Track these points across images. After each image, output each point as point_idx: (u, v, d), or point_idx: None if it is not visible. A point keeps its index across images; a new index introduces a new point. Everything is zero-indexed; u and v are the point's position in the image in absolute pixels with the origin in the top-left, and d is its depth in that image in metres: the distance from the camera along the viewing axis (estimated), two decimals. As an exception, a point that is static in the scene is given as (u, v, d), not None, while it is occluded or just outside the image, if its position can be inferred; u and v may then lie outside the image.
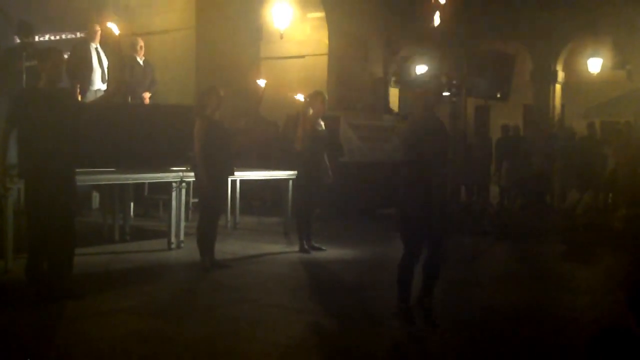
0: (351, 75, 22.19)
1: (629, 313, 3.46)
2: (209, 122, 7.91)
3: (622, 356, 3.39)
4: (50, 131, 6.18)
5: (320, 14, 23.82)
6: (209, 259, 8.07)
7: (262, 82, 9.79)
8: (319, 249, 9.51)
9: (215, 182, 7.98)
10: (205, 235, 8.09)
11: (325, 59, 23.57)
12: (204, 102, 8.05)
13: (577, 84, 24.85)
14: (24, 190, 6.48)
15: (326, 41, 23.67)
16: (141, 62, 12.27)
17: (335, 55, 22.93)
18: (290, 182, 10.91)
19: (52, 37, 16.37)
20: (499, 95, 12.62)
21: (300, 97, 9.48)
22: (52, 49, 6.71)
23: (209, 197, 7.98)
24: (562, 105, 25.17)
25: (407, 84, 13.37)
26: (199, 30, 19.38)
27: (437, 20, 10.89)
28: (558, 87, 25.08)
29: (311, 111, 9.30)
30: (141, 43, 12.33)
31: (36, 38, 11.47)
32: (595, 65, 23.48)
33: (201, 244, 8.07)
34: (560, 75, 24.97)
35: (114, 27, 7.62)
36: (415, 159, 5.80)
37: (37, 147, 6.17)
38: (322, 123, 9.45)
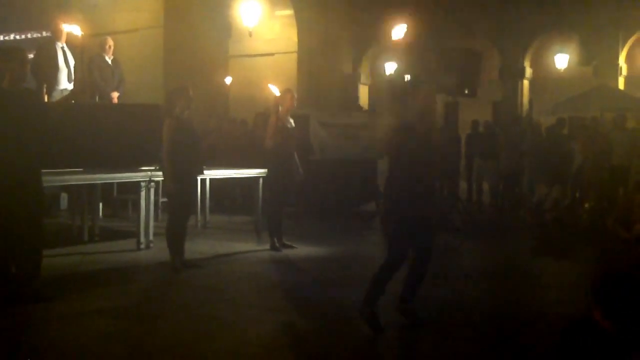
0: (321, 72, 22.23)
1: (596, 306, 3.49)
2: (178, 121, 7.87)
3: (587, 349, 3.43)
4: (15, 131, 6.10)
5: (289, 12, 23.84)
6: (179, 259, 8.03)
7: (228, 80, 9.78)
8: (290, 247, 9.51)
9: (184, 181, 7.94)
10: (175, 234, 8.04)
11: (294, 56, 23.60)
12: (173, 101, 8.00)
13: (544, 80, 25.10)
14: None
15: (295, 39, 23.69)
16: (110, 62, 12.16)
17: (305, 52, 22.96)
18: (261, 180, 10.88)
19: (17, 36, 16.19)
20: (466, 92, 12.67)
21: (273, 88, 9.51)
22: (15, 48, 6.62)
23: (177, 197, 7.94)
24: (530, 101, 25.41)
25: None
26: (167, 29, 19.31)
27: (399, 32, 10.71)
28: (526, 83, 25.32)
29: (281, 109, 9.29)
30: (110, 42, 12.22)
31: (0, 37, 11.32)
32: (562, 61, 23.75)
33: (171, 244, 8.02)
34: (528, 71, 25.21)
35: (76, 28, 7.55)
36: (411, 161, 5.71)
37: (2, 148, 6.08)
38: (292, 121, 9.45)
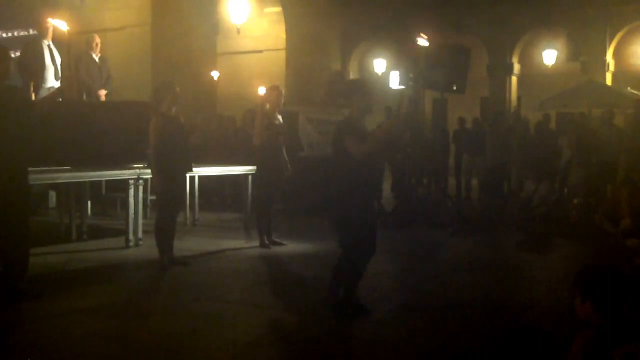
0: (309, 69, 22.23)
1: (584, 302, 3.51)
2: (165, 118, 7.83)
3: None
4: (1, 129, 6.06)
5: (278, 9, 23.85)
6: (168, 257, 8.01)
7: (215, 74, 9.78)
8: (279, 244, 9.52)
9: (173, 178, 7.92)
10: (164, 232, 8.02)
11: (282, 53, 23.60)
12: (160, 98, 7.96)
13: (532, 76, 25.23)
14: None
15: (284, 36, 23.69)
16: (97, 59, 12.12)
17: (293, 50, 22.96)
18: (250, 177, 10.88)
19: (4, 34, 16.09)
20: (455, 88, 12.68)
21: (260, 88, 9.52)
22: None
23: (166, 194, 7.92)
24: (518, 97, 25.52)
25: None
26: (155, 27, 19.26)
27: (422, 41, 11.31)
28: (514, 79, 25.44)
29: (268, 105, 9.28)
30: (97, 40, 12.18)
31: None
32: (550, 57, 23.87)
33: (159, 242, 8.00)
34: (516, 67, 25.32)
35: (62, 24, 7.51)
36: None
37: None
38: (280, 117, 9.45)
